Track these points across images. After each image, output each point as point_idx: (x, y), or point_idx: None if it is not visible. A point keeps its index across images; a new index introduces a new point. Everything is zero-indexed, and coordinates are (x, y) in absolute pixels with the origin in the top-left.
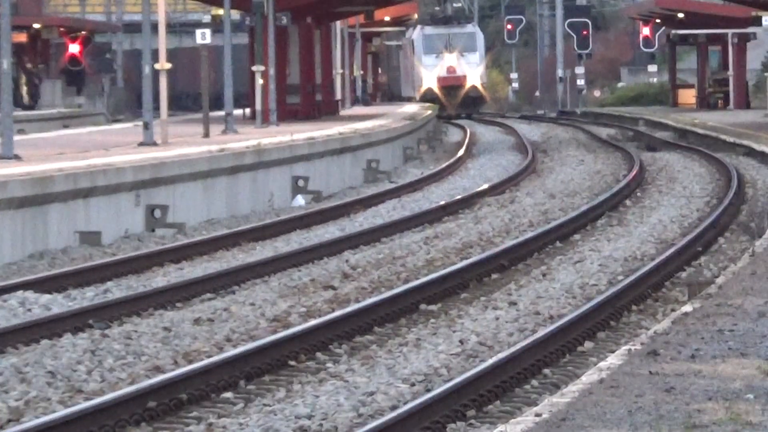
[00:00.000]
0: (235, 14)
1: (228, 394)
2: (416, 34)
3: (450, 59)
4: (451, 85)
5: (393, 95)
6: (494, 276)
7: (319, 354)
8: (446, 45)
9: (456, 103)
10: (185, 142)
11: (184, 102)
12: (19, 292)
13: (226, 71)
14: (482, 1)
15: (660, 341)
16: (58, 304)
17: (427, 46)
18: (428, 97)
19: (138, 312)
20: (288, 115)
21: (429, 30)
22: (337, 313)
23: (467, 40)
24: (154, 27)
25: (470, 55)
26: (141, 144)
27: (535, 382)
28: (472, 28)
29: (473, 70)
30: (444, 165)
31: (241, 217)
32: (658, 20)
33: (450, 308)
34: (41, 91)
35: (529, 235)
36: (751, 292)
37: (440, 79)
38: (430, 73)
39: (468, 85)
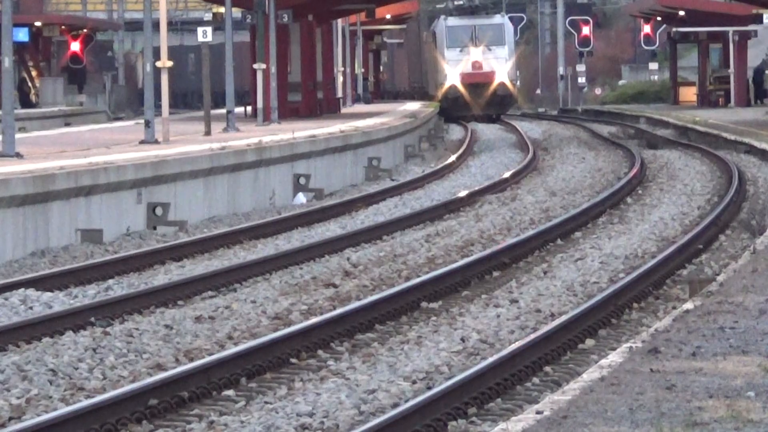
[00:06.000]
0: (237, 12)
1: (229, 392)
2: (439, 25)
3: (476, 53)
4: (477, 82)
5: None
6: (495, 274)
7: (320, 352)
8: (472, 38)
9: (482, 102)
10: (186, 140)
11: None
12: (21, 290)
13: (227, 69)
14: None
15: (661, 339)
16: (59, 302)
17: (451, 39)
18: (451, 95)
19: (139, 310)
20: (289, 113)
21: (453, 21)
22: (339, 310)
23: (495, 32)
24: (156, 25)
25: (498, 49)
26: (142, 142)
27: (536, 380)
28: (500, 18)
29: (501, 66)
30: (445, 163)
31: (242, 214)
32: (659, 18)
33: (451, 306)
34: (41, 90)
35: (531, 232)
36: (752, 289)
37: (464, 76)
38: (453, 69)
39: (496, 82)
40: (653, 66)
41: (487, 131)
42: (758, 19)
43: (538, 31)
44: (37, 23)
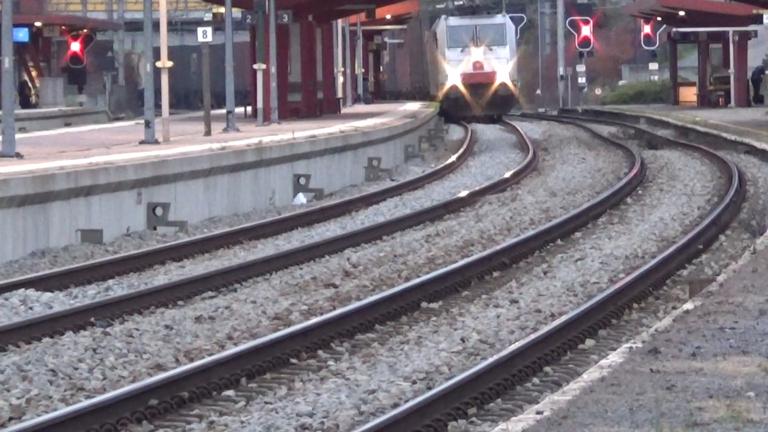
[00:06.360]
0: (237, 12)
1: (229, 392)
2: (440, 25)
3: (477, 54)
4: (478, 82)
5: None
6: (495, 274)
7: (320, 352)
8: (473, 38)
9: (483, 103)
10: (186, 141)
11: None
12: (21, 291)
13: (227, 69)
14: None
15: (661, 339)
16: (59, 302)
17: (452, 39)
18: (452, 95)
19: (139, 310)
20: (289, 113)
21: (454, 21)
22: (339, 311)
23: (496, 32)
24: (156, 25)
25: (499, 49)
26: (142, 142)
27: (536, 380)
28: (501, 18)
29: (503, 66)
30: (445, 163)
31: (242, 215)
32: (659, 18)
33: (451, 306)
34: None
35: (531, 233)
36: (752, 289)
37: (465, 76)
38: (454, 70)
39: (497, 82)
40: (653, 66)
41: (488, 131)
42: (758, 19)
43: (538, 31)
44: (37, 23)
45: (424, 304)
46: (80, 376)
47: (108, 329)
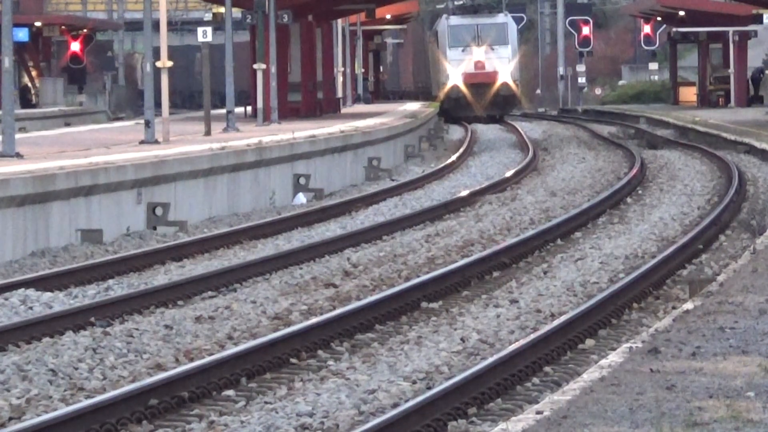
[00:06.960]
0: (237, 12)
1: (229, 392)
2: (441, 25)
3: (478, 53)
4: (480, 82)
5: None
6: (495, 274)
7: (320, 352)
8: (474, 37)
9: (484, 103)
10: (186, 140)
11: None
12: (21, 290)
13: (227, 69)
14: None
15: (661, 339)
16: (59, 302)
17: (453, 38)
18: (453, 96)
19: (139, 310)
20: (289, 113)
21: (455, 20)
22: (339, 311)
23: (498, 31)
24: (156, 25)
25: (501, 49)
26: (142, 142)
27: (536, 380)
28: (503, 17)
29: (504, 66)
30: (445, 163)
31: (242, 215)
32: (659, 18)
33: (451, 306)
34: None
35: (531, 232)
36: (752, 289)
37: (467, 76)
38: (455, 69)
39: (498, 82)
40: (653, 66)
41: (488, 131)
42: (758, 19)
43: (538, 31)
44: (37, 23)
45: (424, 304)
46: (80, 376)
47: (108, 329)
